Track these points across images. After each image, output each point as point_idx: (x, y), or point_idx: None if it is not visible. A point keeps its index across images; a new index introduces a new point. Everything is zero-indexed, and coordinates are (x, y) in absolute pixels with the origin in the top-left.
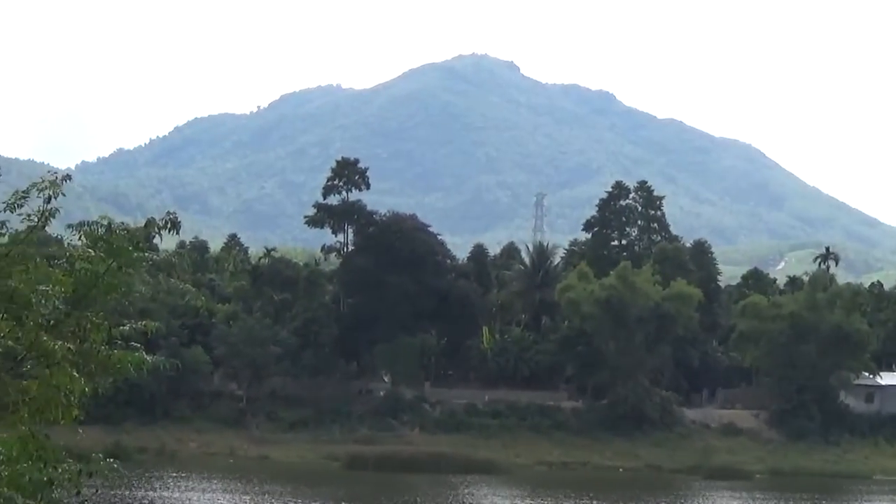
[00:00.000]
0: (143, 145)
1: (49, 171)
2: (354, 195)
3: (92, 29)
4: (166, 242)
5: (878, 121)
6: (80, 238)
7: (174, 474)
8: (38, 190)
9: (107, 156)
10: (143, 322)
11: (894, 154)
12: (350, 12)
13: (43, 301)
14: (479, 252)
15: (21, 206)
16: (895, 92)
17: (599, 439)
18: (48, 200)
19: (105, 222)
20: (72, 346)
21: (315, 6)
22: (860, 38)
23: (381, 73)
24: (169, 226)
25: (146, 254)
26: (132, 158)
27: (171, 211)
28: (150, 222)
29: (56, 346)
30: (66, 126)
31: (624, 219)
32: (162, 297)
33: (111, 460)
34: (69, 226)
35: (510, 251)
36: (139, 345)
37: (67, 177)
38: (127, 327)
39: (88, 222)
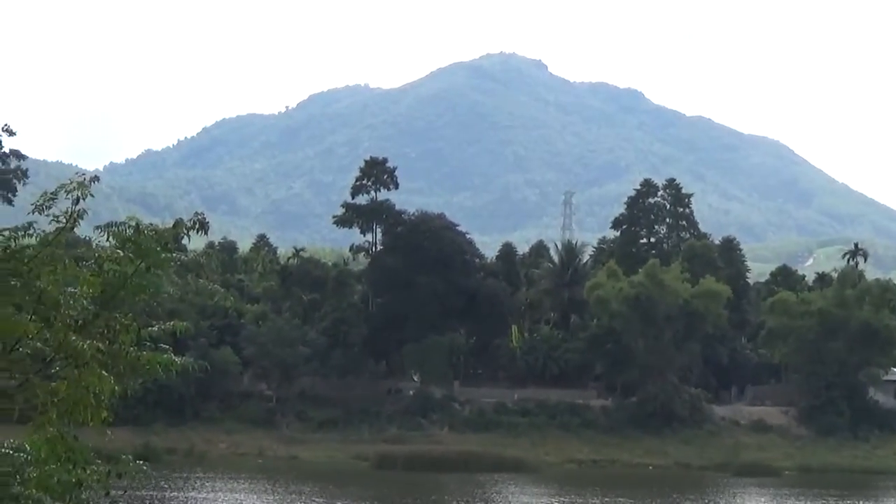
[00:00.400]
0: (171, 146)
1: (77, 173)
2: (383, 195)
3: (119, 31)
4: (195, 243)
5: None
6: (108, 239)
7: (200, 475)
8: (66, 191)
9: (135, 157)
10: (172, 323)
11: None
12: (378, 12)
13: (71, 302)
14: (507, 251)
15: (49, 207)
16: None
17: (629, 437)
18: (76, 202)
19: (133, 223)
20: (101, 346)
21: (343, 6)
22: (885, 37)
23: (408, 72)
24: (197, 226)
25: (174, 255)
26: (160, 159)
27: (200, 212)
28: (178, 223)
29: (85, 346)
30: (94, 128)
31: (652, 216)
32: (191, 298)
33: (140, 462)
34: (97, 227)
35: (539, 250)
36: (168, 346)
37: (95, 178)
38: (156, 328)
39: (116, 223)
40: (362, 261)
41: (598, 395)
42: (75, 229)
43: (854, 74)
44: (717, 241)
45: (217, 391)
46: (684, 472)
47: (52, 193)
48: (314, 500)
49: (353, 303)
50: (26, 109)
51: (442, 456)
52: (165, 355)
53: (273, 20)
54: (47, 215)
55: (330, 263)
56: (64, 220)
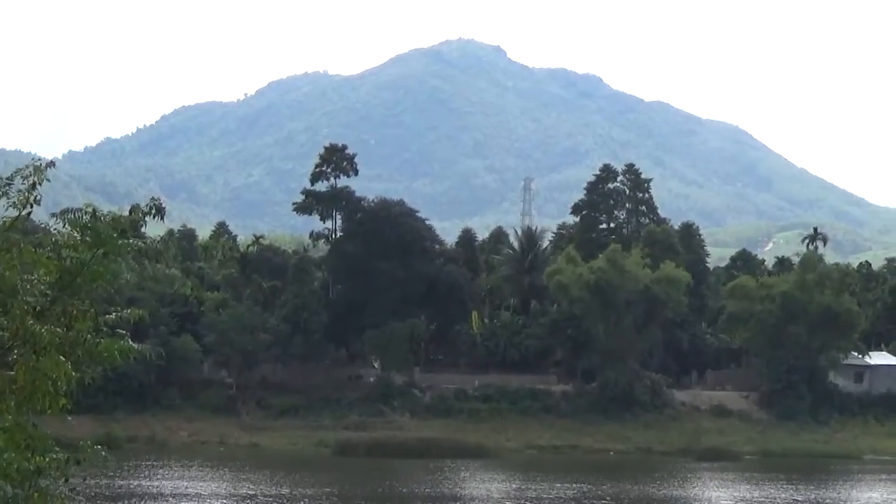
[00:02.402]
0: (130, 134)
1: (34, 160)
2: (342, 181)
3: (76, 18)
4: (155, 230)
5: (865, 102)
6: (64, 226)
7: (154, 463)
8: (22, 177)
9: (94, 145)
10: (129, 310)
11: (881, 134)
12: None
13: (29, 287)
14: (467, 237)
15: (6, 193)
16: (881, 73)
17: (590, 422)
18: (32, 187)
19: (89, 210)
20: (59, 332)
21: None
22: (845, 21)
23: (367, 59)
24: (153, 212)
25: (132, 241)
26: (119, 147)
27: (156, 196)
28: (134, 208)
29: (43, 332)
30: (53, 116)
31: (612, 202)
32: (150, 286)
33: (99, 446)
34: (53, 214)
35: (498, 236)
36: (126, 332)
37: (51, 163)
38: (113, 315)
39: (73, 209)
40: (322, 248)
41: (559, 381)
42: (33, 216)
43: (811, 60)
44: (676, 227)
45: (177, 379)
46: (645, 457)
47: (7, 179)
48: (266, 488)
49: (314, 290)
50: None
51: (403, 443)
52: (123, 342)
53: (231, 7)
54: (8, 199)
55: (290, 250)
56: (21, 206)
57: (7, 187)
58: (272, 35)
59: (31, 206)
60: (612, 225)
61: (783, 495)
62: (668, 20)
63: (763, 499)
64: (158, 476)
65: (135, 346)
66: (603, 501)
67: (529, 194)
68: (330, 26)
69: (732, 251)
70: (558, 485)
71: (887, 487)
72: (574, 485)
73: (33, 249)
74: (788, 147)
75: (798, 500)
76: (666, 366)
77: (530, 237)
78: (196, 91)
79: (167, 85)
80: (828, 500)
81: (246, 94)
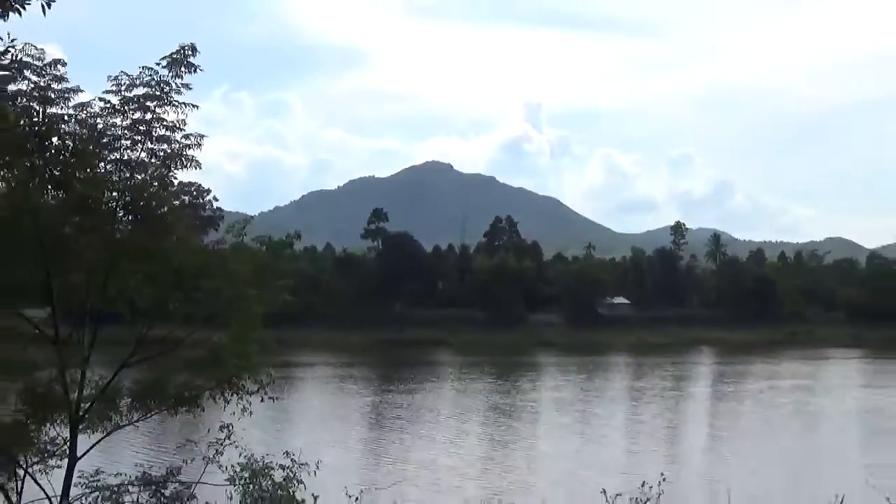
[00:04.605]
0: (284, 205)
1: (242, 218)
2: (381, 225)
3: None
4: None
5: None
6: (255, 243)
7: (294, 349)
8: (237, 224)
9: (272, 209)
10: (282, 281)
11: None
12: (378, 136)
13: (242, 273)
14: (437, 250)
15: (230, 231)
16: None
17: (492, 332)
18: (243, 227)
19: (266, 236)
20: (255, 292)
21: (357, 133)
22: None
23: (392, 168)
24: (295, 236)
25: (286, 250)
26: (283, 210)
27: (297, 230)
28: (288, 235)
29: (250, 292)
30: (253, 192)
31: (498, 236)
32: (295, 271)
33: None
34: (252, 239)
35: (449, 248)
36: (282, 288)
37: (251, 217)
38: (279, 283)
39: (260, 236)
40: (373, 255)
41: (481, 312)
42: (244, 241)
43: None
44: (529, 243)
45: (309, 316)
46: (517, 346)
47: (231, 226)
48: (340, 359)
49: (369, 274)
50: (221, 178)
51: (411, 340)
52: (280, 297)
53: (323, 141)
54: (232, 235)
55: (360, 255)
56: (237, 236)
57: (233, 229)
58: (347, 151)
59: (242, 237)
60: (500, 243)
61: (574, 360)
62: (527, 140)
63: (564, 362)
64: (296, 354)
65: (286, 296)
66: (489, 364)
67: (464, 229)
68: (373, 151)
69: (552, 254)
70: (474, 357)
71: (627, 355)
72: (480, 357)
73: (244, 256)
74: (581, 207)
75: (577, 363)
76: (526, 304)
77: (465, 249)
78: (312, 183)
79: (299, 177)
80: (595, 367)
81: (337, 186)
